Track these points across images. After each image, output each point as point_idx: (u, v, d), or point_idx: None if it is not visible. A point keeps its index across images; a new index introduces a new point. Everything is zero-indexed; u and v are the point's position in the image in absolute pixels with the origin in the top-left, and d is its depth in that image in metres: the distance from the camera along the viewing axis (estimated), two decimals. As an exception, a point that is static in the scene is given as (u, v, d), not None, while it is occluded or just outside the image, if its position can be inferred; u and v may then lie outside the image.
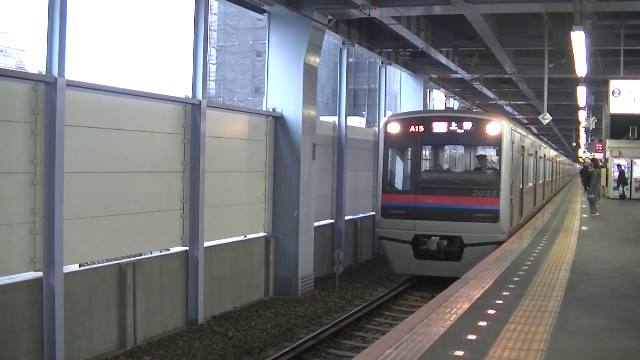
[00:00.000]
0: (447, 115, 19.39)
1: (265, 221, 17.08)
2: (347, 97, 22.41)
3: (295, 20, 16.69)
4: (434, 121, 18.34)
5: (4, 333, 9.97)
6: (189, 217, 13.93)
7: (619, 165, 34.85)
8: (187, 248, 13.99)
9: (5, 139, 10.04)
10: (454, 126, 18.10)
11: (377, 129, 24.96)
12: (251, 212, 16.58)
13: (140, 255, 13.78)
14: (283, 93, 17.11)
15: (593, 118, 35.62)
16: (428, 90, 30.98)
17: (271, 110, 17.07)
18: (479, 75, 28.29)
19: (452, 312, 8.66)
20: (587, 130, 44.24)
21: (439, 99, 36.72)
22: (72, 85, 10.93)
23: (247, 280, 16.18)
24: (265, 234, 17.08)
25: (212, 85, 48.74)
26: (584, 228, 19.87)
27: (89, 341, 11.47)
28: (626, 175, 35.12)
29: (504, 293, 10.00)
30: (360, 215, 24.14)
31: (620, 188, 34.84)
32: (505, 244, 16.13)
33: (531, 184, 24.60)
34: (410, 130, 18.40)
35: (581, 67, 19.12)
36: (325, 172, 20.78)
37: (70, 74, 10.90)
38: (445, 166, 22.80)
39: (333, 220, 21.50)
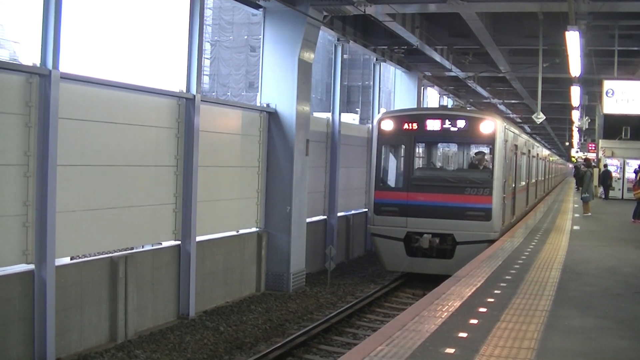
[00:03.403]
0: (440, 113, 19.41)
1: (258, 217, 17.08)
2: (341, 94, 22.41)
3: (290, 16, 16.67)
4: (428, 119, 18.36)
5: (-5, 325, 9.97)
6: (181, 212, 13.93)
7: (605, 166, 34.89)
8: (179, 242, 13.98)
9: (-2, 131, 10.02)
10: (447, 124, 18.12)
11: (370, 126, 24.98)
12: (244, 208, 16.58)
13: (132, 249, 13.76)
14: (277, 89, 17.10)
15: (586, 118, 35.65)
16: (422, 87, 30.99)
17: (265, 105, 17.05)
18: (473, 73, 28.33)
19: (444, 309, 8.68)
20: (580, 130, 44.29)
21: (432, 97, 36.76)
22: (66, 77, 10.91)
23: (238, 276, 16.18)
24: (257, 229, 17.08)
25: (206, 79, 48.56)
26: (575, 227, 19.93)
27: (80, 334, 11.46)
28: (613, 176, 35.08)
29: (496, 291, 10.02)
30: (353, 211, 24.17)
31: (601, 188, 34.83)
32: (497, 242, 16.16)
33: (524, 183, 24.64)
34: (404, 127, 18.40)
35: (575, 67, 19.16)
36: (318, 169, 20.80)
37: (65, 67, 10.88)
38: (439, 164, 22.82)
39: (325, 217, 21.52)
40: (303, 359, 12.02)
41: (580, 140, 55.71)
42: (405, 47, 23.86)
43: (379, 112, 25.17)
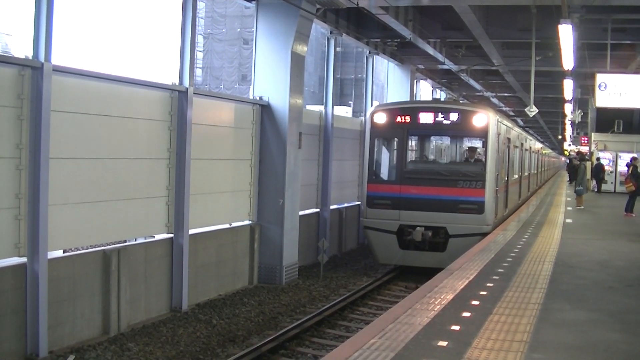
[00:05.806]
0: (433, 106, 19.43)
1: (251, 209, 17.07)
2: (334, 87, 22.40)
3: (283, 9, 16.62)
4: (421, 112, 18.35)
5: (-13, 318, 9.94)
6: (174, 205, 13.90)
7: (598, 159, 34.93)
8: (172, 235, 13.96)
9: (-10, 124, 9.98)
10: (440, 117, 18.12)
11: (363, 118, 24.97)
12: (236, 200, 16.56)
13: (125, 242, 13.73)
14: (270, 81, 17.07)
15: (579, 111, 35.68)
16: (415, 80, 30.98)
17: (258, 98, 17.02)
18: (466, 66, 28.30)
19: (436, 302, 8.69)
20: (573, 123, 44.37)
21: (425, 90, 36.75)
22: (58, 70, 10.87)
23: (231, 268, 16.18)
24: (250, 222, 17.07)
25: (198, 72, 48.48)
26: (568, 221, 19.95)
27: (72, 327, 11.44)
28: (606, 169, 35.09)
29: (488, 284, 10.03)
30: (346, 204, 24.16)
31: (594, 182, 34.89)
32: (490, 235, 16.16)
33: (516, 176, 24.68)
34: (397, 120, 18.41)
35: (568, 60, 19.18)
36: (311, 161, 20.78)
37: (57, 59, 10.84)
38: (431, 157, 22.83)
39: (318, 210, 21.52)
40: (296, 351, 12.02)
41: (573, 133, 55.82)
42: (398, 40, 23.85)
43: (371, 105, 25.15)
